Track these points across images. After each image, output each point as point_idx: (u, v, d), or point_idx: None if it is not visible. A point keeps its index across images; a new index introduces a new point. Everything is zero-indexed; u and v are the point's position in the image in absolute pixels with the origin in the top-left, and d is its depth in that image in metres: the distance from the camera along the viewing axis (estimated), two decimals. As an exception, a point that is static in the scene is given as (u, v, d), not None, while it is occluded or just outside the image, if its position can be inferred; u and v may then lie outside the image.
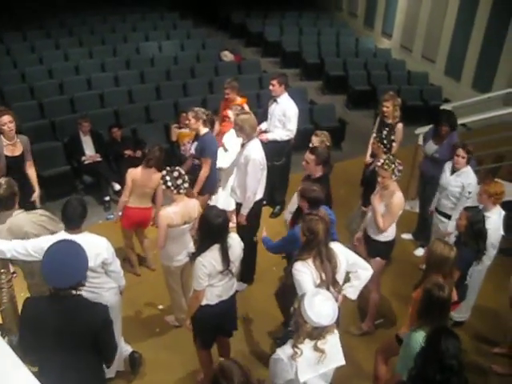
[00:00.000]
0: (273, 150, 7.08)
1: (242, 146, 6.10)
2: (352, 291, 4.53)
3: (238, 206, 6.27)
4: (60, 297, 3.43)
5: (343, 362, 3.65)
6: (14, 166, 6.10)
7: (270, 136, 7.40)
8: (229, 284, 4.62)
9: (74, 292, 3.46)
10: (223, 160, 6.99)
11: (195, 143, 6.70)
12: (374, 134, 6.34)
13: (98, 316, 3.55)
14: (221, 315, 4.69)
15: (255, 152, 5.94)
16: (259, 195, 6.20)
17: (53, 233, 4.42)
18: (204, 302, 4.54)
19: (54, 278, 3.40)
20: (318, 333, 3.42)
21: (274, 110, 7.53)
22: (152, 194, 6.30)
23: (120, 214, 6.40)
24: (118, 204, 6.41)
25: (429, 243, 6.62)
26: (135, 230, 6.65)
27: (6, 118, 6.01)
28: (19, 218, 4.63)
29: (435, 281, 4.03)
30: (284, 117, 7.42)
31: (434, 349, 3.37)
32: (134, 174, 6.15)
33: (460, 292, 4.94)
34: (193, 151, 6.75)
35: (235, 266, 4.56)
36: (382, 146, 6.21)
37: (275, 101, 7.53)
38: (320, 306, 3.38)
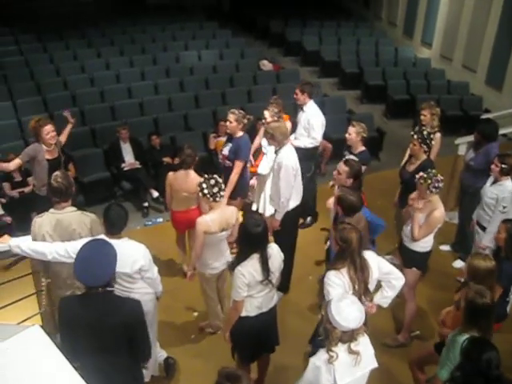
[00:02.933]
0: (299, 157, 7.06)
1: (276, 152, 6.12)
2: (385, 301, 4.48)
3: (275, 212, 6.28)
4: (92, 294, 3.50)
5: (376, 365, 3.63)
6: (54, 167, 6.23)
7: (295, 143, 7.33)
8: (269, 295, 4.56)
9: (105, 289, 3.52)
10: (263, 166, 7.02)
11: (229, 144, 6.73)
12: (415, 136, 6.20)
13: (130, 310, 3.62)
14: (261, 328, 4.63)
15: (288, 158, 5.95)
16: (294, 202, 6.18)
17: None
18: (244, 314, 4.49)
19: (85, 276, 3.48)
20: (348, 336, 3.41)
21: (301, 118, 7.52)
22: (194, 196, 6.24)
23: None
24: (168, 205, 6.66)
25: (468, 255, 6.56)
26: (188, 232, 6.70)
27: (49, 127, 6.35)
28: (71, 215, 4.68)
29: (476, 288, 3.95)
30: (308, 125, 7.39)
31: (477, 361, 3.34)
32: (171, 178, 6.26)
33: (501, 309, 4.85)
34: (226, 152, 6.77)
35: (275, 276, 4.49)
36: (424, 146, 6.13)
37: (302, 109, 7.52)
38: (347, 310, 3.37)
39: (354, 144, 6.45)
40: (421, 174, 5.34)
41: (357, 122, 6.51)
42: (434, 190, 5.24)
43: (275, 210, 6.29)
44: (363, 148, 6.45)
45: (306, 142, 7.44)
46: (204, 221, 5.15)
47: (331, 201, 5.44)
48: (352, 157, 6.13)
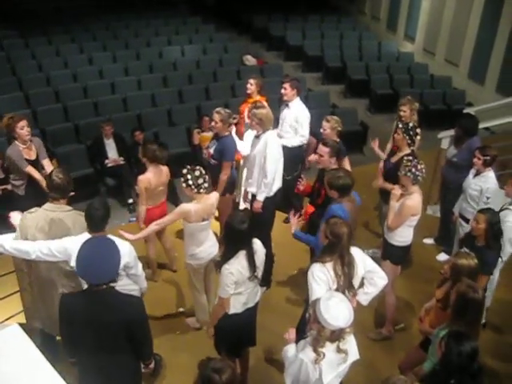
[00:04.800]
0: (286, 155, 7.04)
1: (257, 137, 6.13)
2: (365, 298, 4.46)
3: (254, 198, 6.29)
4: (94, 291, 3.48)
5: (358, 357, 3.65)
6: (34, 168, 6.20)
7: (282, 142, 7.30)
8: (254, 291, 4.59)
9: (108, 286, 3.51)
10: (243, 147, 7.01)
11: (215, 143, 6.72)
12: (400, 125, 6.25)
13: (133, 307, 3.62)
14: (246, 323, 4.67)
15: (272, 139, 6.01)
16: (277, 185, 6.21)
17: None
18: (232, 311, 4.50)
19: (90, 274, 3.45)
20: (336, 335, 3.41)
21: (286, 115, 7.42)
22: (166, 189, 6.34)
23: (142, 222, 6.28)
24: (139, 214, 6.28)
25: (451, 248, 6.62)
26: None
27: (24, 123, 6.19)
28: (66, 214, 4.60)
29: (467, 283, 3.99)
30: (296, 122, 7.31)
31: (458, 356, 3.36)
32: (146, 180, 6.06)
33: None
34: (211, 151, 6.76)
35: (260, 271, 4.52)
36: (407, 137, 6.18)
37: (287, 105, 7.43)
38: (336, 309, 3.37)
39: (329, 137, 6.47)
40: (409, 157, 5.38)
41: (331, 117, 6.51)
42: (409, 174, 5.25)
43: (251, 195, 6.35)
44: (337, 140, 6.48)
45: (294, 141, 7.37)
46: (187, 208, 5.16)
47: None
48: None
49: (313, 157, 6.43)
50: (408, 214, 5.35)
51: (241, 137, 7.32)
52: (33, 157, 6.36)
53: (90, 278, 3.47)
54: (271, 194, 6.21)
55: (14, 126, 6.14)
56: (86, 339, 3.56)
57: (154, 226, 5.48)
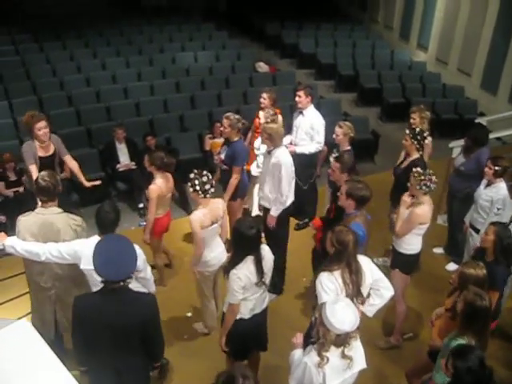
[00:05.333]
0: (302, 162, 7.06)
1: (268, 153, 6.15)
2: (371, 309, 4.44)
3: (267, 212, 6.30)
4: (111, 290, 3.48)
5: (365, 366, 3.64)
6: (46, 166, 6.10)
7: (298, 149, 7.30)
8: (262, 297, 4.59)
9: (124, 284, 3.52)
10: (253, 168, 7.07)
11: (226, 149, 6.75)
12: (407, 131, 6.32)
13: (147, 305, 3.63)
14: (255, 329, 4.66)
15: (285, 157, 5.99)
16: (290, 199, 6.22)
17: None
18: (238, 317, 4.51)
19: (109, 271, 3.45)
20: (342, 339, 3.41)
21: (301, 122, 7.42)
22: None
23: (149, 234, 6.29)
24: (147, 224, 6.23)
25: (460, 258, 6.59)
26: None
27: (42, 124, 6.15)
28: (57, 217, 4.64)
29: (475, 291, 3.97)
30: (312, 129, 7.32)
31: (462, 371, 3.35)
32: (157, 189, 6.06)
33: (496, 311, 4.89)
34: (222, 157, 6.79)
35: (268, 277, 4.53)
36: (415, 142, 6.20)
37: (301, 113, 7.42)
38: (342, 313, 3.37)
39: (342, 143, 6.52)
40: (418, 169, 5.38)
41: (343, 123, 6.58)
42: (424, 187, 5.26)
43: (265, 209, 6.36)
44: (348, 147, 6.53)
45: (311, 148, 7.38)
46: (197, 217, 5.16)
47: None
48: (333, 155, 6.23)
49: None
50: (416, 221, 5.35)
51: (252, 150, 7.42)
52: (49, 153, 6.37)
53: (108, 275, 3.46)
54: (285, 206, 6.22)
55: (32, 125, 6.14)
56: (101, 340, 3.56)
57: (198, 255, 5.41)
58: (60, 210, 4.71)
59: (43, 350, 2.85)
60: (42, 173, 4.76)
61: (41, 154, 6.30)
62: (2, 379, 2.64)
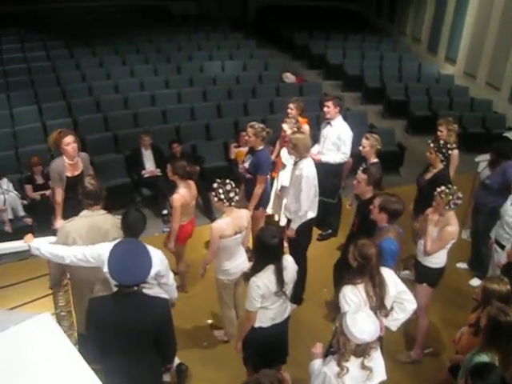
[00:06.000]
0: (328, 173, 7.06)
1: (295, 163, 6.15)
2: (394, 324, 4.41)
3: (289, 222, 6.32)
4: (124, 294, 3.53)
5: (385, 377, 3.63)
6: (73, 186, 6.03)
7: (323, 158, 7.34)
8: (283, 307, 4.59)
9: (138, 289, 3.56)
10: (286, 178, 7.08)
11: (250, 158, 6.77)
12: (431, 144, 6.29)
13: (160, 309, 3.66)
14: (274, 339, 4.65)
15: (308, 169, 5.99)
16: (311, 213, 6.21)
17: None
18: (257, 325, 4.51)
19: (123, 275, 3.49)
20: (362, 350, 3.41)
21: (328, 132, 7.46)
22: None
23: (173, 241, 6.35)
24: (172, 232, 6.28)
25: (484, 273, 6.52)
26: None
27: (70, 138, 6.02)
28: (104, 218, 4.73)
29: (498, 306, 3.93)
30: (339, 140, 7.36)
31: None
32: (181, 198, 6.11)
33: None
34: (246, 165, 6.82)
35: (289, 288, 4.52)
36: (440, 155, 6.17)
37: (329, 123, 7.47)
38: (362, 323, 3.37)
39: (368, 155, 6.50)
40: (442, 188, 5.34)
41: (370, 135, 6.58)
42: (453, 206, 5.24)
43: (288, 220, 6.32)
44: (376, 160, 6.52)
45: (336, 158, 7.42)
46: (218, 225, 5.22)
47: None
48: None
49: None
50: (449, 239, 5.34)
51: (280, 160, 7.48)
52: (76, 173, 6.21)
53: (122, 279, 3.51)
54: (305, 220, 6.21)
55: (60, 141, 6.02)
56: (114, 342, 3.60)
57: (208, 259, 5.58)
58: (105, 211, 4.78)
59: (65, 344, 2.89)
60: (89, 177, 4.85)
61: (68, 173, 6.15)
62: (24, 371, 2.69)
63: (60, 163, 6.13)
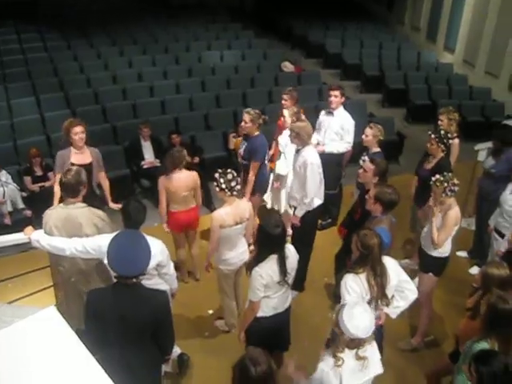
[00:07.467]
0: (330, 163, 7.05)
1: (297, 151, 6.15)
2: (394, 311, 4.44)
3: (295, 209, 6.31)
4: (123, 285, 3.53)
5: (381, 371, 3.64)
6: None
7: (327, 148, 7.34)
8: (284, 296, 4.60)
9: (137, 280, 3.56)
10: (282, 166, 7.06)
11: (245, 144, 6.76)
12: (432, 135, 6.26)
13: (159, 301, 3.67)
14: (276, 328, 4.66)
15: (312, 156, 5.98)
16: (318, 200, 6.21)
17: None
18: (259, 314, 4.52)
19: (122, 266, 3.50)
20: (355, 344, 3.43)
21: (330, 122, 7.44)
22: (193, 194, 6.35)
23: (165, 222, 6.45)
24: (160, 213, 6.45)
25: (485, 262, 6.52)
26: (186, 234, 6.68)
27: (78, 129, 6.21)
28: (80, 211, 4.71)
29: (498, 294, 3.95)
30: (342, 129, 7.35)
31: (486, 376, 3.32)
32: (165, 181, 6.17)
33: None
34: (241, 151, 6.80)
35: (291, 276, 4.53)
36: (441, 146, 6.16)
37: (330, 113, 7.46)
38: (358, 319, 3.38)
39: (370, 145, 6.48)
40: (437, 176, 5.33)
41: (374, 124, 6.55)
42: (449, 193, 5.23)
43: (294, 208, 6.33)
44: (378, 149, 6.51)
45: (340, 147, 7.42)
46: (218, 215, 5.22)
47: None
48: (366, 158, 6.19)
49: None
50: (452, 224, 5.33)
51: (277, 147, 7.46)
52: (84, 162, 6.29)
53: (121, 270, 3.52)
54: (311, 208, 6.21)
55: (69, 129, 6.21)
56: (111, 334, 3.61)
57: (210, 252, 5.57)
58: (84, 204, 4.76)
59: (70, 338, 2.89)
60: (69, 168, 4.83)
61: (74, 160, 6.22)
62: (29, 366, 2.69)
63: (66, 151, 6.30)
